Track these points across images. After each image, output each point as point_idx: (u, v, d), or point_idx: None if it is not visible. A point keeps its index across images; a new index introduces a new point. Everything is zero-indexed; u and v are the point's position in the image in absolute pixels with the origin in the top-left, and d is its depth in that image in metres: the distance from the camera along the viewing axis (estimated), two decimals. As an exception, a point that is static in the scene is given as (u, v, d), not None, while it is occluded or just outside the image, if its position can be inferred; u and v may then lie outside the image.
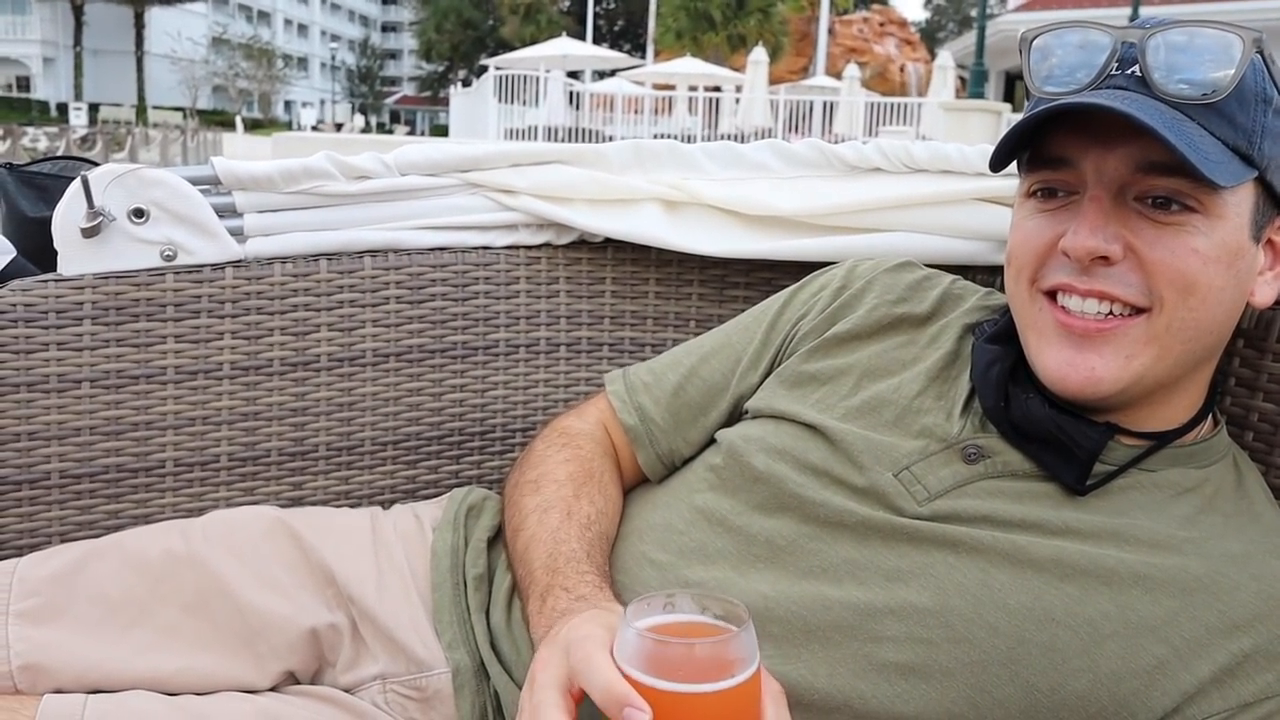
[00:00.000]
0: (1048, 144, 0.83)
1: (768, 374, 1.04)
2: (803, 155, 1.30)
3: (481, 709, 0.91)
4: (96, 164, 1.21)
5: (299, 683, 0.95)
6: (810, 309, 1.05)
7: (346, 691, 0.93)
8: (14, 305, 1.11)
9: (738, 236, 1.29)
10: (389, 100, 71.16)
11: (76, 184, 1.14)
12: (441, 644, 0.94)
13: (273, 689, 0.93)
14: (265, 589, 0.95)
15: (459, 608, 0.98)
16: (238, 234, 1.21)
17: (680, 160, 1.31)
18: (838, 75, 22.79)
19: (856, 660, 0.79)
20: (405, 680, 0.93)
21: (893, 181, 1.27)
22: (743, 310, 1.16)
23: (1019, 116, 0.86)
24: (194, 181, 1.19)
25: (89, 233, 1.14)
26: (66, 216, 1.14)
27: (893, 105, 19.98)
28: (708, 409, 1.06)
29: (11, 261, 1.17)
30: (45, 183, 1.30)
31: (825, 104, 20.28)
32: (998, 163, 0.87)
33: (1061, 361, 0.82)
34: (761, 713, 0.64)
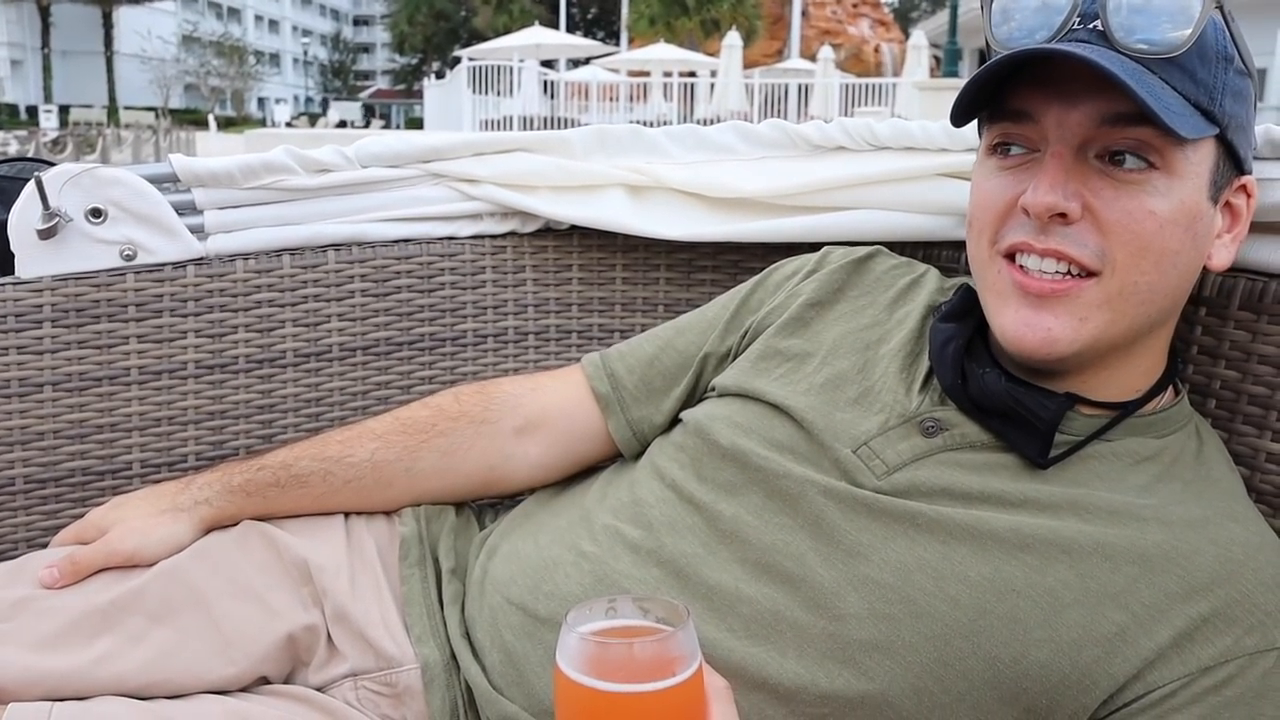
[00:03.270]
0: (1009, 98, 0.83)
1: (736, 349, 1.04)
2: (767, 136, 1.30)
3: (453, 703, 0.91)
4: (54, 165, 1.20)
5: (271, 683, 0.94)
6: (781, 291, 1.05)
7: (319, 690, 0.93)
8: (-29, 310, 1.10)
9: (703, 219, 1.28)
10: (363, 94, 70.72)
11: (31, 185, 1.12)
12: (411, 638, 0.94)
13: (243, 689, 0.92)
14: (239, 597, 0.94)
15: (429, 600, 0.98)
16: (198, 231, 1.20)
17: (644, 144, 1.31)
18: (812, 57, 22.82)
19: (822, 639, 0.79)
20: (376, 676, 0.92)
21: (856, 160, 1.26)
22: (711, 293, 1.16)
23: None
24: (152, 179, 1.18)
25: (46, 234, 1.13)
26: (22, 218, 1.13)
27: (868, 86, 20.01)
28: (679, 379, 1.06)
29: (-35, 269, 1.16)
30: (2, 185, 1.29)
31: (800, 86, 20.30)
32: (958, 116, 0.87)
33: (1019, 321, 0.82)
34: (706, 710, 0.64)
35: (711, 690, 0.65)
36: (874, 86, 20.03)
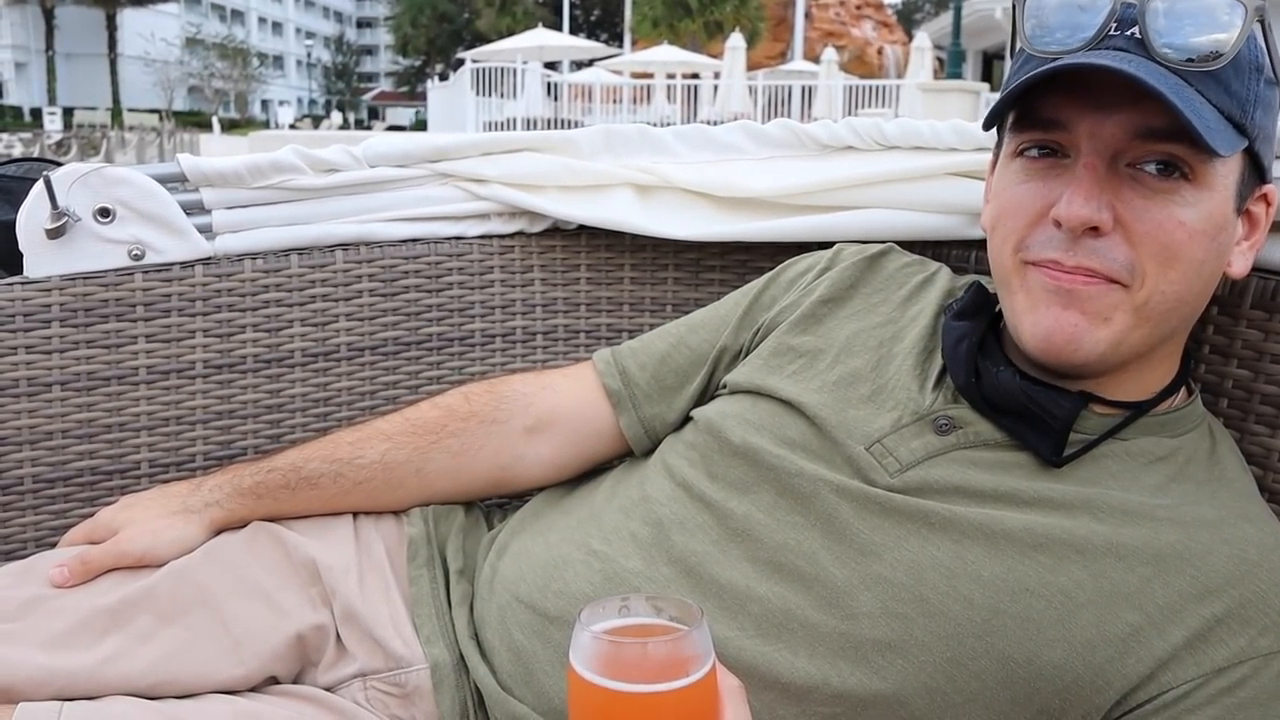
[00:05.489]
0: (1040, 104, 0.81)
1: (748, 346, 1.04)
2: (775, 136, 1.29)
3: (462, 704, 0.91)
4: (62, 164, 1.20)
5: (280, 683, 0.94)
6: (795, 288, 1.05)
7: (328, 690, 0.92)
8: (-20, 309, 1.10)
9: (711, 219, 1.28)
10: (366, 96, 70.79)
11: (40, 185, 1.12)
12: (420, 639, 0.94)
13: (252, 689, 0.92)
14: (248, 597, 0.94)
15: (437, 600, 0.97)
16: (206, 231, 1.20)
17: (651, 144, 1.31)
18: (815, 59, 22.83)
19: (834, 638, 0.79)
20: (385, 677, 0.92)
21: (865, 159, 1.26)
22: (719, 293, 1.16)
23: (996, 96, 0.84)
24: (160, 179, 1.18)
25: (54, 234, 1.13)
26: (31, 218, 1.13)
27: (871, 88, 20.01)
28: (692, 376, 1.06)
29: (-26, 268, 1.15)
30: (10, 185, 1.29)
31: (804, 88, 20.31)
32: (991, 122, 0.86)
33: (1049, 319, 0.81)
34: (720, 710, 0.64)
35: (725, 690, 0.65)
36: (877, 88, 20.03)
